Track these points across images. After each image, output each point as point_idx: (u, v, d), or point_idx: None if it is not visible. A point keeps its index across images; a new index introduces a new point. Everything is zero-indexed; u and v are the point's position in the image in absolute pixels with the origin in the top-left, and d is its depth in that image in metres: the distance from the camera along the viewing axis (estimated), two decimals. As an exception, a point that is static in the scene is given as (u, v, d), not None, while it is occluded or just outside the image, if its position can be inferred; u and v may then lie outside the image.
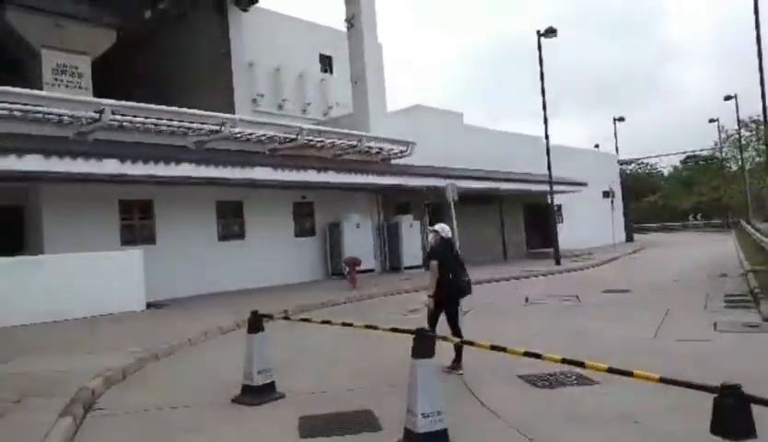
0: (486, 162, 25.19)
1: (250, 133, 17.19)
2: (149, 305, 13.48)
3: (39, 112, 13.34)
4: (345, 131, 20.08)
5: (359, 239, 19.79)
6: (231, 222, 17.79)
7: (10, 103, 12.92)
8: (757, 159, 45.39)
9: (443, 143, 23.68)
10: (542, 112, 22.77)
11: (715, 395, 2.48)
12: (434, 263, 6.86)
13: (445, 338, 4.57)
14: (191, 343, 9.39)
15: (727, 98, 40.89)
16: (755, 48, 16.98)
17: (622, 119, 42.43)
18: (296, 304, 13.00)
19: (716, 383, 2.54)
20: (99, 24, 22.60)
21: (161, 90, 22.95)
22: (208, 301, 14.53)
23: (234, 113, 20.41)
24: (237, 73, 24.60)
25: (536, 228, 29.82)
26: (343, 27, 22.49)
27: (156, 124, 15.25)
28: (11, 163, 11.48)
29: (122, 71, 25.15)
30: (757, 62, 16.97)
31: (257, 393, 5.88)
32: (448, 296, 6.90)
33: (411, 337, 4.45)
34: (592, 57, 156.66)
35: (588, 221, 33.20)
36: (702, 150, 63.75)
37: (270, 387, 6.00)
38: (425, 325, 6.58)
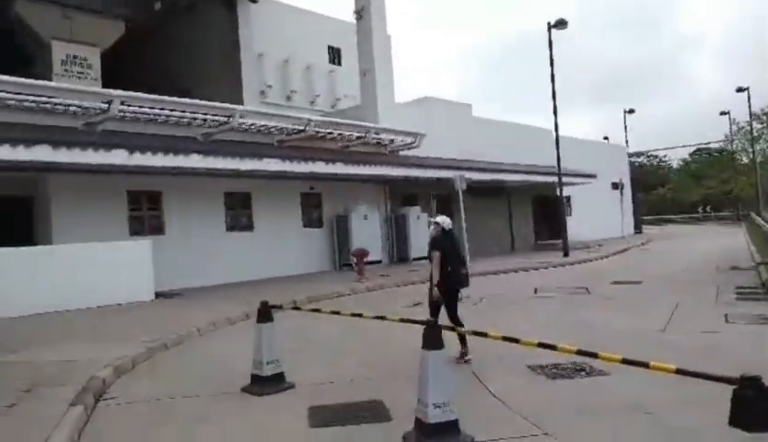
0: (495, 154, 25.08)
1: (259, 125, 17.18)
2: (158, 295, 13.53)
3: (48, 103, 13.37)
4: (353, 122, 20.02)
5: (367, 231, 19.77)
6: (239, 213, 17.81)
7: (20, 94, 12.95)
8: (768, 151, 45.01)
9: (451, 134, 23.58)
10: (552, 105, 22.62)
11: (734, 386, 2.43)
12: (436, 254, 6.87)
13: (454, 329, 4.53)
14: (199, 333, 9.42)
15: (740, 89, 40.53)
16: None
17: (632, 111, 42.12)
18: (304, 295, 13.00)
19: (729, 375, 2.49)
20: (108, 15, 22.62)
21: (170, 82, 22.94)
22: (216, 292, 14.57)
23: (242, 105, 20.40)
24: (245, 64, 24.57)
25: (544, 220, 29.71)
26: (352, 19, 22.39)
27: (164, 115, 15.26)
28: (20, 153, 11.53)
29: (131, 62, 25.19)
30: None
31: (266, 383, 5.87)
32: (447, 287, 6.92)
33: (419, 327, 4.44)
34: (603, 49, 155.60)
35: (597, 213, 33.04)
36: (709, 143, 63.24)
37: (279, 377, 5.99)
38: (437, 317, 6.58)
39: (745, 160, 53.93)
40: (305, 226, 19.56)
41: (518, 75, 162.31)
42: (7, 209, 13.74)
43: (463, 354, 6.71)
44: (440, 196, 22.97)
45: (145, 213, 15.64)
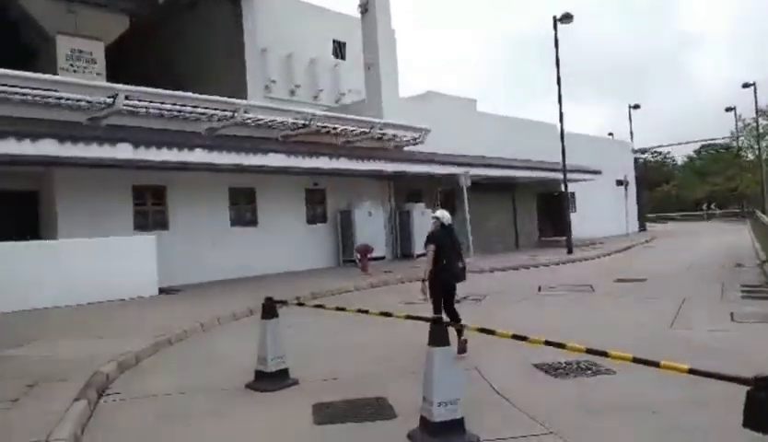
0: (499, 149, 24.98)
1: (263, 120, 17.12)
2: (162, 290, 13.53)
3: (52, 97, 13.34)
4: (358, 117, 19.95)
5: (371, 227, 19.74)
6: (243, 208, 17.79)
7: (24, 88, 12.93)
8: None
9: (456, 130, 23.47)
10: (557, 100, 22.48)
11: (748, 388, 2.39)
12: (430, 248, 6.99)
13: (462, 326, 4.49)
14: (203, 328, 9.41)
15: (746, 85, 40.27)
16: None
17: (637, 106, 41.78)
18: (308, 290, 12.99)
19: (740, 375, 2.45)
20: (113, 9, 22.53)
21: (174, 76, 22.89)
22: (220, 287, 14.56)
23: (246, 99, 20.34)
24: (249, 59, 24.48)
25: (548, 217, 29.60)
26: (356, 12, 22.29)
27: (168, 110, 15.21)
28: (25, 147, 11.51)
29: (135, 57, 25.13)
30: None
31: (271, 379, 5.86)
32: (443, 282, 6.98)
33: (423, 323, 4.40)
34: (608, 45, 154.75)
35: (601, 210, 32.91)
36: (714, 139, 62.84)
37: (283, 373, 5.98)
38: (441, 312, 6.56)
39: (751, 157, 53.67)
40: (309, 221, 19.53)
41: (524, 68, 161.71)
42: (13, 203, 13.76)
43: (463, 342, 6.76)
44: (445, 192, 22.90)
45: (150, 208, 15.64)
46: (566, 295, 12.24)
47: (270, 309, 6.00)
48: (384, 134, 20.30)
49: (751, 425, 2.35)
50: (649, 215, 46.22)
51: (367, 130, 19.57)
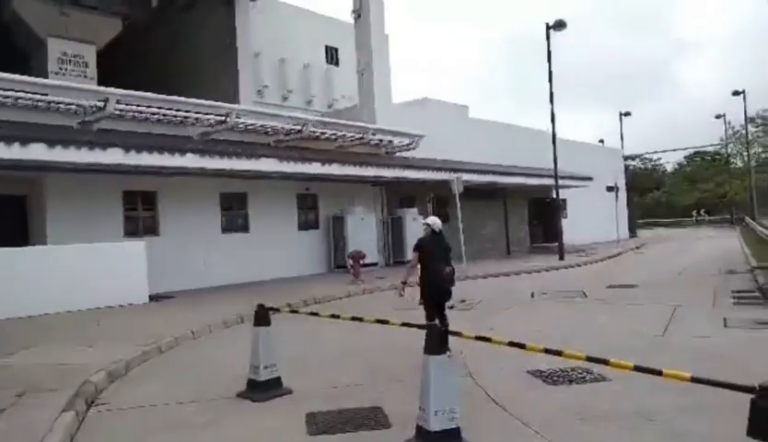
0: (492, 155, 25.01)
1: (256, 125, 17.06)
2: (152, 297, 13.37)
3: (43, 101, 13.22)
4: (350, 123, 19.91)
5: (363, 233, 19.67)
6: (235, 214, 17.68)
7: (15, 91, 12.80)
8: (763, 156, 45.17)
9: (448, 136, 23.48)
10: (549, 106, 22.57)
11: (751, 396, 2.35)
12: (414, 254, 7.15)
13: (459, 334, 4.45)
14: (194, 336, 9.31)
15: (736, 93, 40.65)
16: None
17: (628, 114, 42.06)
18: (300, 297, 12.90)
19: (732, 381, 2.42)
20: (105, 12, 22.40)
21: (166, 80, 22.77)
22: (211, 294, 14.43)
23: (239, 104, 20.26)
24: (242, 63, 24.37)
25: (540, 223, 29.66)
26: (349, 18, 22.29)
27: (160, 114, 15.12)
28: (15, 152, 11.36)
29: (128, 60, 24.96)
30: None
31: (263, 388, 5.77)
32: (432, 287, 7.06)
33: (419, 331, 4.35)
34: (601, 52, 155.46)
35: (592, 216, 32.99)
36: (704, 147, 63.28)
37: (276, 382, 5.89)
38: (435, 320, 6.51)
39: (740, 164, 54.12)
40: (301, 227, 19.44)
41: (517, 73, 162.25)
42: (1, 208, 13.58)
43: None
44: (437, 198, 22.89)
45: (141, 213, 15.48)
46: (559, 301, 12.23)
47: (262, 317, 5.92)
48: (377, 140, 20.27)
49: (757, 435, 2.31)
50: (638, 221, 46.40)
51: (360, 135, 19.54)
